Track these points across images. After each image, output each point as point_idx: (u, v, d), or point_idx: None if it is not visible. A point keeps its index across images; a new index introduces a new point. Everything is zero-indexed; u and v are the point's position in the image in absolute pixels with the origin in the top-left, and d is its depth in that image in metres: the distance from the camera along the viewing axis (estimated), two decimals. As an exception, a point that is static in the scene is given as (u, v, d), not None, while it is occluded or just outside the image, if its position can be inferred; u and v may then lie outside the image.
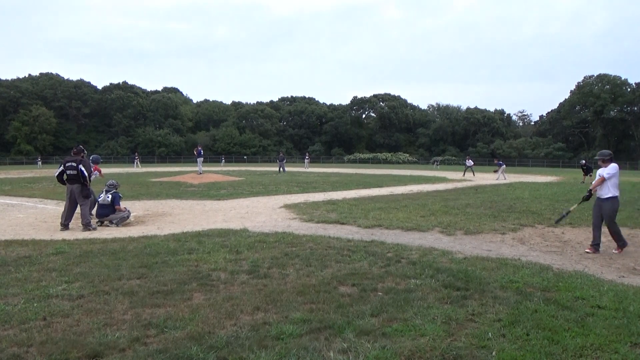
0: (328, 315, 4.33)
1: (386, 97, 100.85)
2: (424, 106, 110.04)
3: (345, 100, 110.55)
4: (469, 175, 35.74)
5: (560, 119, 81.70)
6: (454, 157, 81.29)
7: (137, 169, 50.29)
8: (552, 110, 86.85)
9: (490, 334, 3.94)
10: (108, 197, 10.83)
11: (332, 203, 14.39)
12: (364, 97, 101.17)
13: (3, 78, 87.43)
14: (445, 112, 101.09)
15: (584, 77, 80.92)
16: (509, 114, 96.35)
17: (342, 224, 10.28)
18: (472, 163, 38.76)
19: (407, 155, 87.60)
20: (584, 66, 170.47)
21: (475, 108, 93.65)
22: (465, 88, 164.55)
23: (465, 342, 3.80)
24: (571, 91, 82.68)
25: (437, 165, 59.88)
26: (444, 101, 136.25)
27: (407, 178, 30.47)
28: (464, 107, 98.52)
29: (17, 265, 6.34)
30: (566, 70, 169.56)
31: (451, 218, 11.10)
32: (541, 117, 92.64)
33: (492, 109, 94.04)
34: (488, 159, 78.62)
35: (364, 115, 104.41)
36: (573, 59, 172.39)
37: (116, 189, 11.15)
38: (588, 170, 27.57)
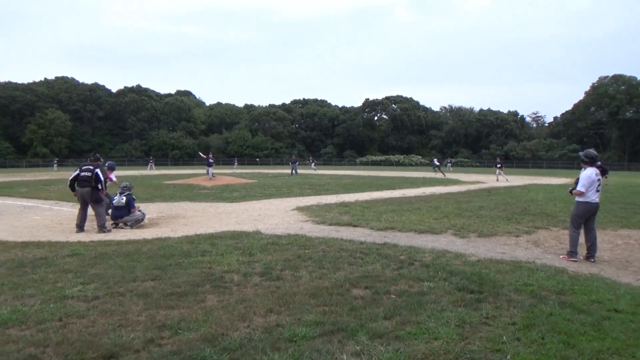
0: (341, 318, 4.32)
1: (398, 99, 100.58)
2: (436, 108, 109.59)
3: (358, 103, 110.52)
4: (439, 174, 38.53)
5: (575, 120, 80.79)
6: (467, 159, 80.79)
7: (151, 171, 50.78)
8: (566, 112, 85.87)
9: (504, 337, 3.91)
10: (122, 199, 10.92)
11: (344, 205, 14.38)
12: (376, 99, 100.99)
13: (19, 82, 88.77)
14: (457, 113, 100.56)
15: (599, 78, 79.91)
16: (522, 116, 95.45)
17: (355, 226, 10.26)
18: (439, 163, 42.24)
19: (420, 157, 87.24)
20: (598, 67, 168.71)
21: (489, 110, 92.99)
22: (478, 89, 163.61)
23: (479, 345, 3.77)
24: (586, 92, 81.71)
25: (450, 166, 59.43)
26: (457, 103, 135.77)
27: (419, 180, 30.35)
28: (476, 109, 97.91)
29: (33, 266, 6.42)
30: (580, 71, 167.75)
31: (464, 220, 11.03)
32: (555, 118, 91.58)
33: (505, 111, 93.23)
34: (502, 161, 78.04)
35: (376, 118, 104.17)
36: (587, 60, 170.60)
37: (130, 191, 11.24)
38: (604, 172, 27.24)
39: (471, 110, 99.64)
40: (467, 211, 12.80)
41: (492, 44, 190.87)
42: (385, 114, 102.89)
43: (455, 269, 6.18)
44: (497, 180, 31.48)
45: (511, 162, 77.26)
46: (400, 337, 3.91)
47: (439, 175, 38.38)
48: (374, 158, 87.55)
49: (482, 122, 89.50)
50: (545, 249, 7.99)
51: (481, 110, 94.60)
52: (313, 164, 54.58)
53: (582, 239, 7.38)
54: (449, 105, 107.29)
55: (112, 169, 12.52)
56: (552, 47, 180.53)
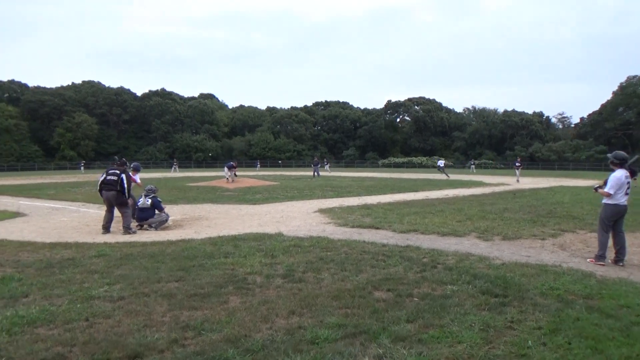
0: (363, 321, 4.31)
1: (421, 101, 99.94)
2: (459, 109, 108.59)
3: (380, 104, 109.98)
4: (442, 176, 38.65)
5: (602, 120, 79.10)
6: (491, 161, 79.81)
7: (175, 173, 51.49)
8: (593, 112, 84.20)
9: (530, 342, 3.85)
10: (147, 201, 11.09)
11: (366, 207, 14.34)
12: (399, 101, 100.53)
13: (48, 86, 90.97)
14: (481, 115, 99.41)
15: (627, 77, 78.09)
16: (547, 117, 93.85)
17: (377, 228, 10.22)
18: (443, 165, 43.46)
19: (443, 159, 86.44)
20: (626, 66, 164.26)
21: (513, 111, 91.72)
22: (502, 90, 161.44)
23: (504, 350, 3.72)
24: (613, 92, 80.00)
25: (473, 168, 58.75)
26: (480, 104, 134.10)
27: (442, 182, 30.09)
28: (500, 110, 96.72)
29: (61, 267, 6.57)
30: (608, 71, 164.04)
31: (488, 223, 10.89)
32: (582, 119, 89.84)
33: (530, 112, 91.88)
34: (527, 163, 76.83)
35: (398, 119, 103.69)
36: (615, 59, 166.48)
37: (155, 194, 11.40)
38: (633, 174, 26.60)
39: (495, 112, 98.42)
40: (491, 213, 12.64)
41: (516, 44, 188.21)
42: (407, 116, 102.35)
43: (479, 272, 6.11)
44: (518, 181, 31.30)
45: (536, 163, 76.05)
46: (423, 340, 3.88)
47: (444, 177, 38.04)
48: (397, 160, 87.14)
49: (506, 123, 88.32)
50: (572, 252, 7.84)
51: (505, 111, 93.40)
52: (327, 165, 54.60)
53: (610, 242, 7.22)
54: (473, 107, 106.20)
55: (137, 170, 12.67)
56: (577, 47, 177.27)
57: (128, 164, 11.18)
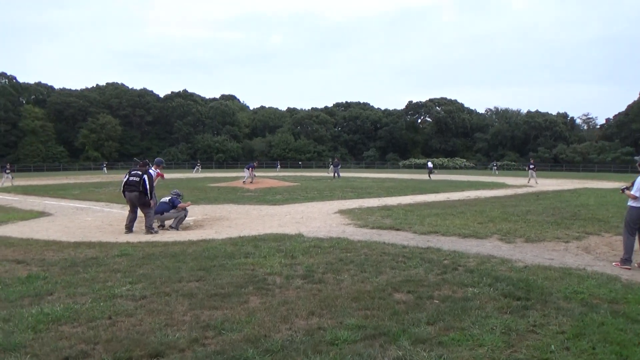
0: (383, 322, 4.29)
1: (442, 102, 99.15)
2: (481, 110, 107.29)
3: (400, 105, 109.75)
4: (433, 176, 40.99)
5: (629, 121, 77.41)
6: (513, 163, 78.78)
7: (197, 174, 52.12)
8: (619, 113, 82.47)
9: (552, 346, 3.78)
10: (167, 197, 11.28)
11: (387, 209, 14.29)
12: (420, 101, 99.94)
13: (73, 88, 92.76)
14: (504, 116, 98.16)
15: (656, 77, 76.51)
16: (572, 117, 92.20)
17: (397, 230, 10.17)
18: (431, 166, 45.26)
19: (464, 160, 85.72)
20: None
21: (537, 112, 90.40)
22: (525, 91, 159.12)
23: (526, 354, 3.66)
24: (641, 92, 78.33)
25: (496, 170, 58.02)
26: (503, 105, 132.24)
27: (464, 184, 29.82)
28: (524, 111, 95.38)
29: (85, 266, 6.68)
30: (634, 71, 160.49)
31: (511, 225, 10.75)
32: (607, 120, 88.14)
33: (554, 112, 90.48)
34: (550, 165, 75.69)
35: (419, 120, 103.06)
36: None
37: (179, 197, 11.52)
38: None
39: (518, 112, 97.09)
40: (513, 215, 12.48)
41: (539, 44, 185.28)
42: (428, 117, 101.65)
43: (501, 274, 6.04)
44: (533, 182, 31.09)
45: (560, 165, 74.82)
46: (443, 343, 3.85)
47: (433, 177, 41.02)
48: (417, 161, 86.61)
49: (529, 124, 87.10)
50: (596, 255, 7.69)
51: (529, 112, 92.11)
52: (332, 167, 54.58)
53: (636, 245, 7.07)
54: (495, 107, 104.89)
55: (158, 164, 12.67)
56: (603, 47, 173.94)
57: (150, 164, 11.28)
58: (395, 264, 6.64)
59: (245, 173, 29.52)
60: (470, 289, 5.38)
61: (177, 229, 10.94)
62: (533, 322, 4.32)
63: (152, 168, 11.60)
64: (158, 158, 13.32)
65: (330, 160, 58.85)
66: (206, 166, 79.72)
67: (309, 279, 5.86)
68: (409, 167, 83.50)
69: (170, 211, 11.13)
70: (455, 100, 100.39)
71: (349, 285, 5.58)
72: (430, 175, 42.43)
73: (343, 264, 6.68)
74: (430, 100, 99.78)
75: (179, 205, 11.24)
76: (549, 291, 5.28)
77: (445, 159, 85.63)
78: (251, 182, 27.82)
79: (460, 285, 5.55)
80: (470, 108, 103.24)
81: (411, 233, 9.75)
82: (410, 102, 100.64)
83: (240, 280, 5.79)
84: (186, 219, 11.54)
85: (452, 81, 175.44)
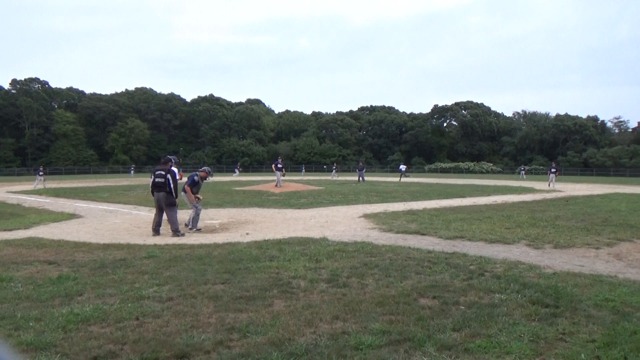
0: (408, 328, 4.26)
1: (469, 105, 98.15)
2: (508, 113, 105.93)
3: (426, 109, 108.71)
4: (403, 179, 42.56)
5: (663, 125, 75.37)
6: (542, 167, 77.39)
7: (237, 177, 52.73)
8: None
9: (582, 355, 3.69)
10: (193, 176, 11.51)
11: (412, 213, 14.19)
12: (445, 105, 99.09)
13: (103, 93, 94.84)
14: (532, 119, 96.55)
15: (691, 80, 74.26)
16: (603, 121, 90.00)
17: (423, 234, 10.09)
18: (405, 168, 47.11)
19: (491, 164, 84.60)
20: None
21: (566, 115, 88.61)
22: (553, 94, 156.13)
23: (555, 362, 3.58)
24: (675, 95, 76.09)
25: (524, 174, 57.03)
26: (531, 108, 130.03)
27: (490, 188, 29.41)
28: (552, 114, 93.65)
29: (114, 267, 6.81)
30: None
31: (539, 230, 10.55)
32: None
33: (584, 116, 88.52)
34: (580, 169, 74.10)
35: (445, 124, 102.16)
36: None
37: (197, 176, 11.56)
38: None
39: (547, 116, 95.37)
40: (542, 221, 12.24)
41: (570, 46, 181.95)
42: (454, 120, 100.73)
43: (529, 281, 5.93)
44: (550, 186, 30.66)
45: (590, 169, 73.15)
46: (469, 349, 3.80)
47: (404, 179, 42.84)
48: (443, 165, 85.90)
49: (558, 127, 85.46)
50: (628, 262, 7.48)
51: (558, 115, 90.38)
52: (335, 170, 54.52)
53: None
54: (523, 111, 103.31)
55: (174, 163, 12.71)
56: (635, 48, 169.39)
57: (173, 161, 11.11)
58: (420, 269, 6.58)
59: (277, 175, 28.56)
60: (497, 295, 5.30)
61: (200, 230, 11.05)
62: (562, 330, 4.23)
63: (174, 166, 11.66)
64: (173, 157, 13.29)
65: (333, 165, 58.84)
66: (231, 170, 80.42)
67: (333, 283, 5.85)
68: (435, 171, 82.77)
69: (191, 214, 11.26)
70: (482, 104, 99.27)
71: (374, 289, 5.55)
72: (402, 178, 43.60)
73: (367, 268, 6.65)
74: (457, 103, 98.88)
75: (189, 192, 11.22)
76: (579, 299, 5.16)
77: (472, 163, 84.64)
78: (276, 186, 27.75)
79: (487, 291, 5.47)
80: (497, 111, 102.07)
81: (437, 238, 9.66)
82: (436, 106, 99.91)
83: (265, 283, 5.82)
84: (213, 221, 11.65)
85: (478, 84, 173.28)
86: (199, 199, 11.65)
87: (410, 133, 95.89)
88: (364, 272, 6.42)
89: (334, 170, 54.33)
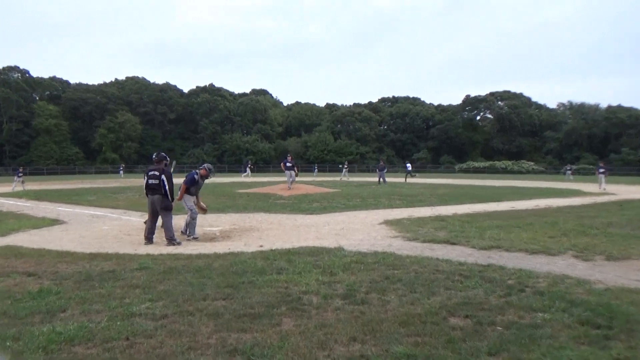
0: (436, 351, 4.23)
1: (505, 95, 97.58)
2: (552, 105, 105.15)
3: (457, 100, 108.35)
4: (409, 179, 44.14)
5: None
6: (591, 166, 76.62)
7: (247, 178, 52.78)
8: None
9: (641, 384, 3.63)
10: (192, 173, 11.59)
11: (440, 219, 14.12)
12: (479, 95, 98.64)
13: (90, 83, 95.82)
14: (579, 111, 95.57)
15: None
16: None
17: (453, 244, 10.04)
18: (410, 167, 48.62)
19: (532, 163, 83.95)
20: None
21: (619, 106, 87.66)
22: (604, 83, 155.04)
23: (608, 393, 3.53)
24: None
25: (570, 174, 56.49)
26: (578, 99, 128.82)
27: (532, 190, 29.18)
28: (603, 106, 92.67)
29: (101, 280, 6.86)
30: None
31: (588, 240, 10.43)
32: None
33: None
34: (636, 168, 73.21)
35: (478, 117, 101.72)
36: None
37: (197, 174, 11.60)
38: None
39: (597, 107, 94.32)
40: (592, 228, 12.11)
41: (622, 29, 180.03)
42: (489, 113, 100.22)
43: (577, 298, 5.86)
44: (600, 188, 30.35)
45: (648, 169, 72.22)
46: (507, 377, 3.76)
47: (410, 179, 44.50)
48: (476, 164, 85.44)
49: (610, 120, 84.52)
50: (694, 277, 7.37)
51: (609, 107, 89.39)
52: (346, 170, 54.32)
53: None
54: (569, 102, 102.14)
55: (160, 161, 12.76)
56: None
57: (168, 159, 11.13)
58: (450, 284, 6.54)
59: (288, 175, 27.93)
60: (540, 314, 5.25)
61: (196, 237, 11.10)
62: (617, 354, 4.17)
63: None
64: (161, 153, 13.31)
65: (344, 164, 58.39)
66: (235, 169, 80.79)
67: (350, 299, 5.83)
68: (467, 171, 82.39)
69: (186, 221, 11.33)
70: (521, 94, 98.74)
71: (397, 307, 5.52)
72: (407, 178, 44.85)
73: (389, 282, 6.63)
74: (492, 94, 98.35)
75: (181, 191, 11.25)
76: (636, 318, 5.09)
77: (509, 162, 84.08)
78: (289, 188, 27.49)
79: (527, 309, 5.41)
80: (539, 102, 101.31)
81: (469, 248, 9.60)
82: (467, 97, 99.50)
83: (272, 299, 5.82)
84: (213, 228, 11.70)
85: (517, 72, 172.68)
86: (204, 209, 11.75)
87: (438, 128, 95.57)
88: (386, 286, 6.40)
89: (344, 170, 54.10)
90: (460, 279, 6.80)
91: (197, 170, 11.79)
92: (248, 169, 60.79)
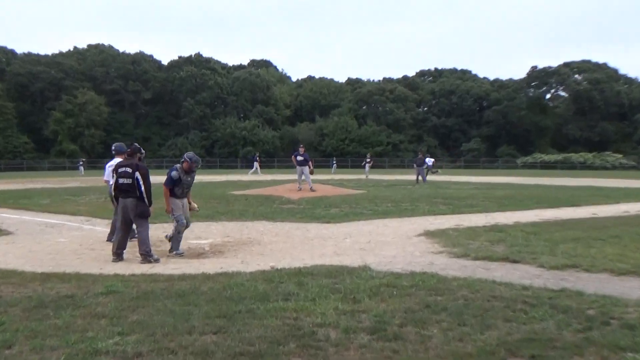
0: (492, 403, 4.22)
1: (584, 67, 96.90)
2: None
3: (519, 73, 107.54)
4: (430, 177, 43.93)
5: None
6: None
7: (257, 176, 52.69)
8: None
9: None
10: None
11: (498, 230, 14.07)
12: (549, 67, 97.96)
13: (42, 53, 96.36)
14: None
15: None
16: None
17: (515, 262, 10.00)
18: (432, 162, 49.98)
19: (619, 156, 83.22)
20: None
21: None
22: None
23: None
24: None
25: None
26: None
27: (619, 192, 28.97)
28: None
29: (56, 307, 6.90)
30: None
31: (695, 257, 10.34)
32: None
33: None
34: None
35: (548, 96, 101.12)
36: None
37: (194, 164, 11.40)
38: None
39: None
40: (699, 242, 12.00)
41: None
42: (563, 90, 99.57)
43: (680, 334, 5.81)
44: None
45: None
46: None
47: (431, 177, 45.32)
48: (545, 157, 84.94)
49: None
50: None
51: None
52: (369, 166, 54.14)
53: None
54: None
55: (119, 152, 12.74)
56: None
57: (143, 152, 11.18)
58: (511, 315, 6.51)
59: (299, 172, 27.58)
60: (630, 354, 5.22)
61: (173, 251, 11.15)
62: None
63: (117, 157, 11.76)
64: (118, 144, 13.40)
65: (366, 158, 57.95)
66: (228, 165, 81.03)
67: (379, 334, 5.83)
68: (533, 166, 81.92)
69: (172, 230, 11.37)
70: (605, 65, 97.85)
71: (440, 344, 5.51)
72: (428, 174, 44.44)
73: (431, 312, 6.61)
74: (566, 65, 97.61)
75: (165, 197, 11.18)
76: None
77: (590, 155, 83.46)
78: (299, 188, 27.33)
79: (613, 348, 5.38)
80: (629, 76, 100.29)
81: (536, 267, 9.56)
82: (534, 69, 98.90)
83: (278, 333, 5.83)
84: (201, 241, 11.76)
85: (600, 37, 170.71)
86: (194, 209, 11.79)
87: (494, 109, 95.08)
88: (426, 318, 6.39)
89: (367, 166, 53.98)
90: (524, 308, 6.77)
91: (176, 166, 11.60)
92: (256, 165, 60.06)
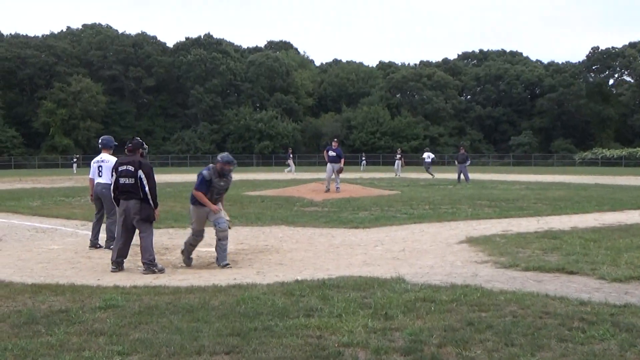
0: None
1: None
2: None
3: (578, 56, 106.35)
4: (427, 175, 47.14)
5: None
6: None
7: (290, 174, 52.64)
8: None
9: None
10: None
11: (552, 236, 13.99)
12: (612, 48, 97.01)
13: (32, 35, 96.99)
14: None
15: None
16: None
17: (571, 273, 9.95)
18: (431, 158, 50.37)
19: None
20: None
21: None
22: None
23: None
24: None
25: None
26: None
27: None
28: None
29: (49, 323, 6.97)
30: None
31: None
32: None
33: None
34: None
35: (612, 81, 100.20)
36: None
37: (229, 165, 11.16)
38: None
39: None
40: None
41: None
42: (629, 75, 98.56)
43: None
44: None
45: None
46: None
47: (429, 175, 47.06)
48: (608, 153, 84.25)
49: None
50: None
51: None
52: (400, 163, 53.77)
53: None
54: None
55: (106, 146, 12.99)
56: None
57: (146, 147, 11.25)
58: (566, 333, 6.49)
59: (329, 170, 27.48)
60: (703, 380, 5.19)
61: (224, 262, 11.09)
62: None
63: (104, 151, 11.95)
64: (107, 137, 13.65)
65: (396, 153, 57.68)
66: (241, 161, 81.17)
67: (414, 355, 5.83)
68: (594, 163, 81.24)
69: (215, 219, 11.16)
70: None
71: (485, 367, 5.52)
72: (428, 171, 47.65)
73: (474, 331, 6.61)
74: (632, 45, 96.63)
75: (203, 199, 11.04)
76: None
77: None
78: (327, 189, 27.21)
79: (685, 373, 5.36)
80: None
81: (596, 279, 9.50)
82: (595, 50, 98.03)
83: (298, 354, 5.85)
84: (211, 249, 11.79)
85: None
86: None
87: (549, 97, 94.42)
88: (468, 337, 6.38)
89: (398, 164, 53.81)
90: (581, 326, 6.73)
91: (211, 165, 11.41)
92: (291, 162, 59.87)
